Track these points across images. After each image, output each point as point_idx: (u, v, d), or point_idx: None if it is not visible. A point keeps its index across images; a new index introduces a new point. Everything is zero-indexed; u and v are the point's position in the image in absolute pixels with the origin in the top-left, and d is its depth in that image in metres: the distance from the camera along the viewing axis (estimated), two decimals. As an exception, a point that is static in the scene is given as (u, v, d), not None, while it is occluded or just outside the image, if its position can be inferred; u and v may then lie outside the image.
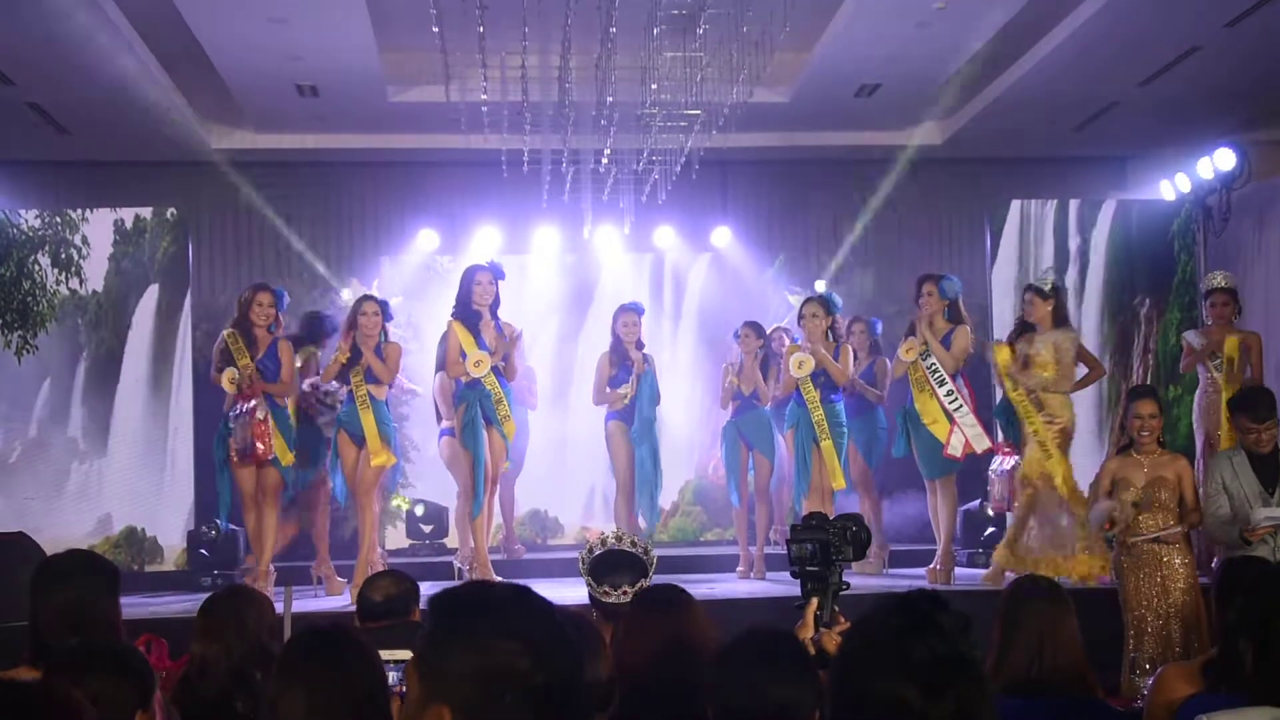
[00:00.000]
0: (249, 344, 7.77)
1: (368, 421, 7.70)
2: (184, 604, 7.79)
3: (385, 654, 2.81)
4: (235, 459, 7.73)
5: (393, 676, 2.73)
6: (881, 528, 8.80)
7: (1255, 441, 5.87)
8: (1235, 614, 3.38)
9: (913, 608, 1.76)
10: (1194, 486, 6.20)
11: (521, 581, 1.93)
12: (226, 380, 7.75)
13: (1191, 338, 8.37)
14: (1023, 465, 7.63)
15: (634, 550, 4.24)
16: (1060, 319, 7.69)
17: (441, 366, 8.14)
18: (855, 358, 8.64)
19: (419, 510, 9.72)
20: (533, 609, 1.76)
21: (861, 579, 7.85)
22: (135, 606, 7.34)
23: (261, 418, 7.68)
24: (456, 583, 8.19)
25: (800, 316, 8.29)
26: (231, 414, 7.78)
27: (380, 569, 8.00)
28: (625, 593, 4.05)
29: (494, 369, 7.78)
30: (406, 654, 2.82)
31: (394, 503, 9.55)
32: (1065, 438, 7.60)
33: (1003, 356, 7.77)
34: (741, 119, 8.21)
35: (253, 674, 3.62)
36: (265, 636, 3.74)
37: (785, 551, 3.48)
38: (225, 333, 7.89)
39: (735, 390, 8.51)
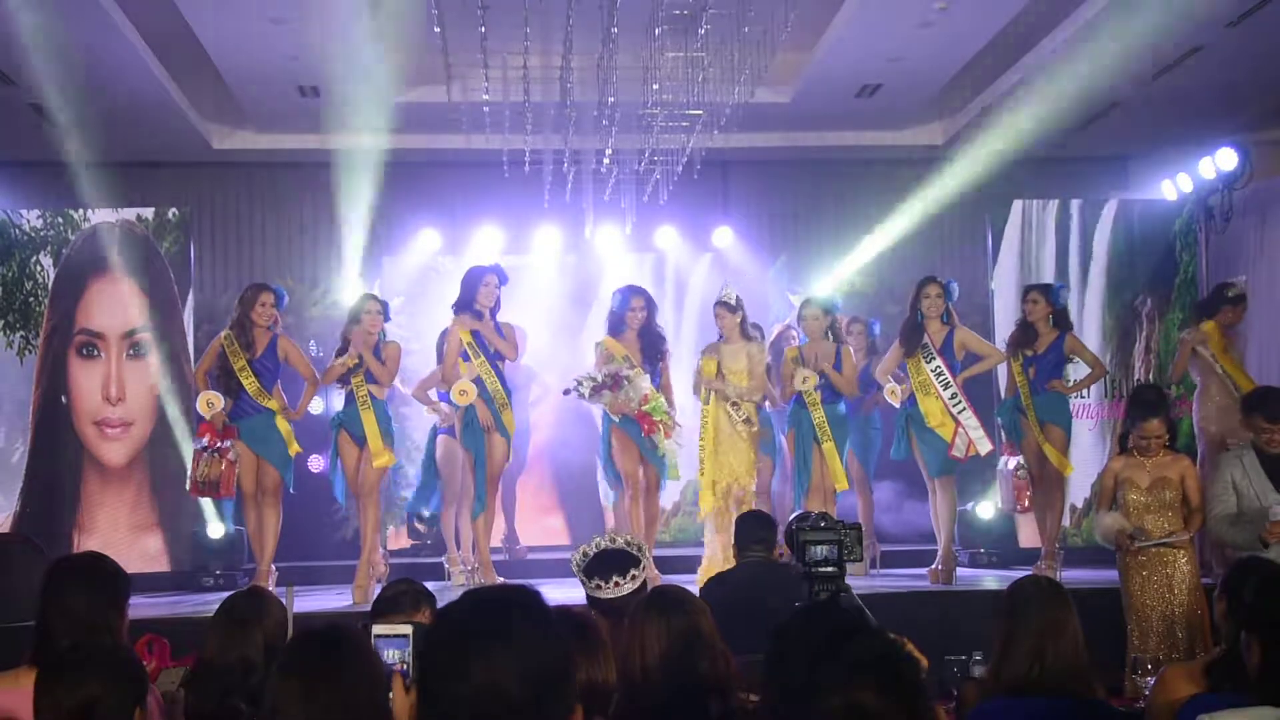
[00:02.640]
0: (247, 345, 7.77)
1: (369, 422, 7.69)
2: (185, 604, 7.80)
3: (384, 628, 2.84)
4: (196, 487, 7.78)
5: (394, 655, 2.77)
6: (873, 528, 8.83)
7: (1268, 441, 5.89)
8: (1242, 614, 3.38)
9: (821, 617, 1.78)
10: (1198, 487, 6.19)
11: (522, 582, 1.96)
12: (204, 403, 7.76)
13: (1190, 338, 8.35)
14: (726, 475, 7.89)
15: (627, 548, 4.28)
16: (745, 333, 7.99)
17: (441, 362, 8.14)
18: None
19: (424, 511, 9.70)
20: (526, 629, 1.80)
21: (851, 580, 7.83)
22: (136, 607, 7.32)
23: (233, 459, 7.74)
24: (451, 587, 8.18)
25: (800, 318, 8.27)
26: (200, 443, 7.83)
27: (382, 570, 8.04)
28: (618, 584, 4.08)
29: (494, 368, 7.79)
30: (406, 629, 2.85)
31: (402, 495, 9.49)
32: (756, 438, 8.00)
33: (709, 369, 7.99)
34: (743, 119, 8.21)
35: (260, 675, 3.62)
36: (277, 639, 3.74)
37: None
38: (223, 334, 7.88)
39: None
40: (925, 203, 10.60)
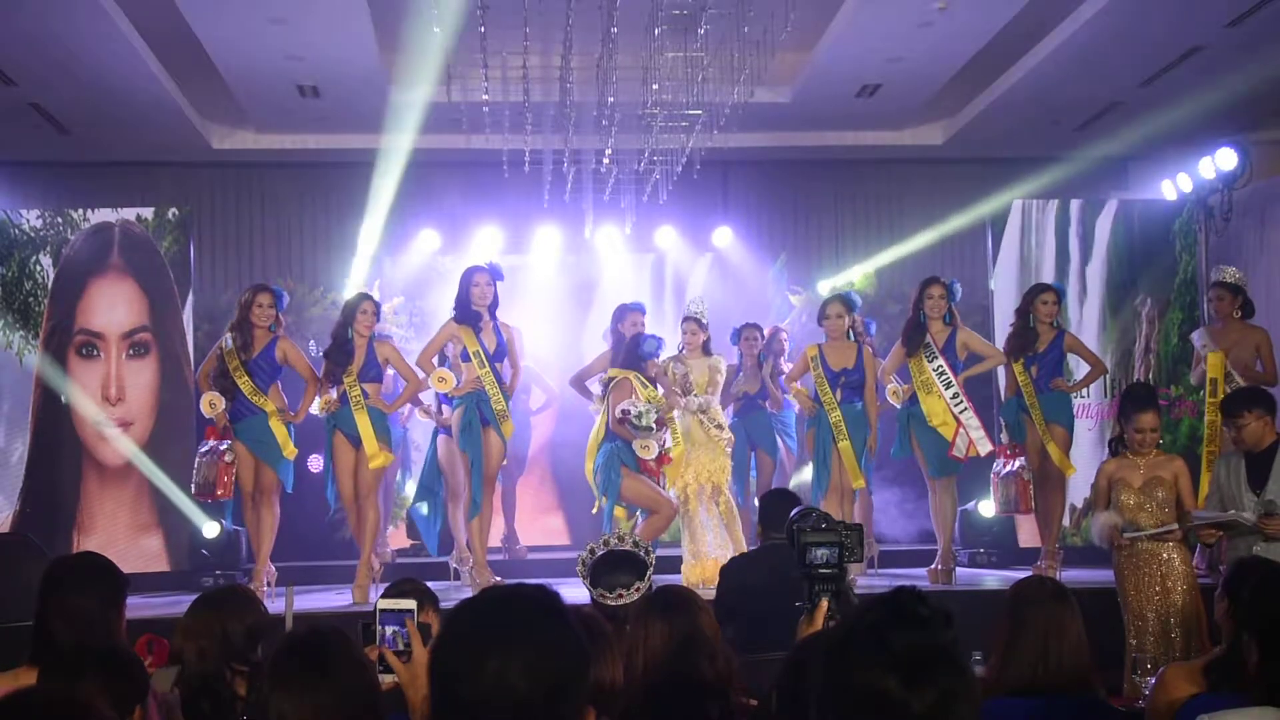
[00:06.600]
0: (244, 346, 7.76)
1: (363, 423, 7.67)
2: (185, 604, 7.77)
3: (388, 603, 2.87)
4: (198, 489, 7.86)
5: (393, 631, 2.82)
6: (871, 527, 8.81)
7: (1232, 439, 5.93)
8: (1242, 614, 3.38)
9: (893, 602, 1.78)
10: (1190, 487, 6.20)
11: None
12: (206, 404, 7.78)
13: (1197, 339, 8.34)
14: (698, 474, 8.03)
15: (634, 550, 4.25)
16: (706, 349, 8.28)
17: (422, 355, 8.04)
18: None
19: (422, 509, 9.69)
20: (544, 629, 1.81)
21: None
22: (136, 607, 7.33)
23: (230, 461, 7.76)
24: (464, 586, 8.10)
25: (824, 317, 8.15)
26: (203, 448, 7.86)
27: (380, 570, 8.02)
28: (620, 595, 4.07)
29: (493, 369, 7.77)
30: (410, 603, 2.88)
31: (403, 506, 9.46)
32: (731, 444, 8.25)
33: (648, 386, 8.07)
34: (742, 119, 8.22)
35: (223, 676, 3.62)
36: (241, 641, 3.74)
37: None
38: (225, 336, 7.88)
39: (741, 391, 8.62)
40: (925, 202, 10.61)
